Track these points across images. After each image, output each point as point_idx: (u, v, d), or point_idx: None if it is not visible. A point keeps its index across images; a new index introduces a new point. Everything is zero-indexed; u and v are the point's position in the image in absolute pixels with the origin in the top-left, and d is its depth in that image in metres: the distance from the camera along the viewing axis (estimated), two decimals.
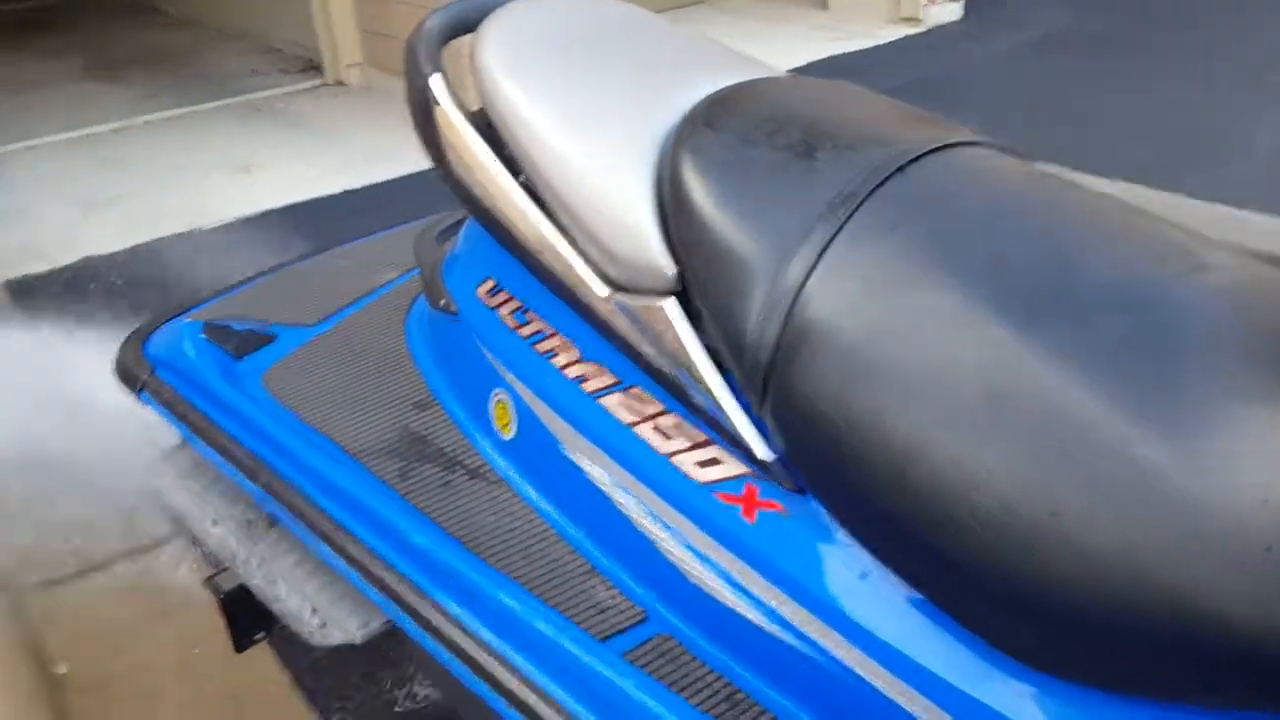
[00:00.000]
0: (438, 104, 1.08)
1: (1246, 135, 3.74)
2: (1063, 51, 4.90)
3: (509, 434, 1.11)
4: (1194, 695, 0.67)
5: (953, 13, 5.60)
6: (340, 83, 4.97)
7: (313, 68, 5.20)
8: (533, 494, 1.08)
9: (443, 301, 1.17)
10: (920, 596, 0.81)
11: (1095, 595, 0.67)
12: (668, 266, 0.92)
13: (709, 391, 0.90)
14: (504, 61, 1.05)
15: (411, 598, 1.00)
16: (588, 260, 0.98)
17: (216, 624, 1.81)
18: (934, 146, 0.90)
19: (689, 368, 0.91)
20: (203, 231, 3.45)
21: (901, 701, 0.80)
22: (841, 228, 0.85)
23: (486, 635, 0.96)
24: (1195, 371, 0.69)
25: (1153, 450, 0.66)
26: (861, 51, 5.07)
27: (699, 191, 0.91)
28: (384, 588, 1.02)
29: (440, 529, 1.04)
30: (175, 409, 1.26)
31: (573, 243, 0.99)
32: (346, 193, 3.71)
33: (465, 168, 1.07)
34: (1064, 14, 5.45)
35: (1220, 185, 3.25)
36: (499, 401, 1.11)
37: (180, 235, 3.43)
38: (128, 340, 1.36)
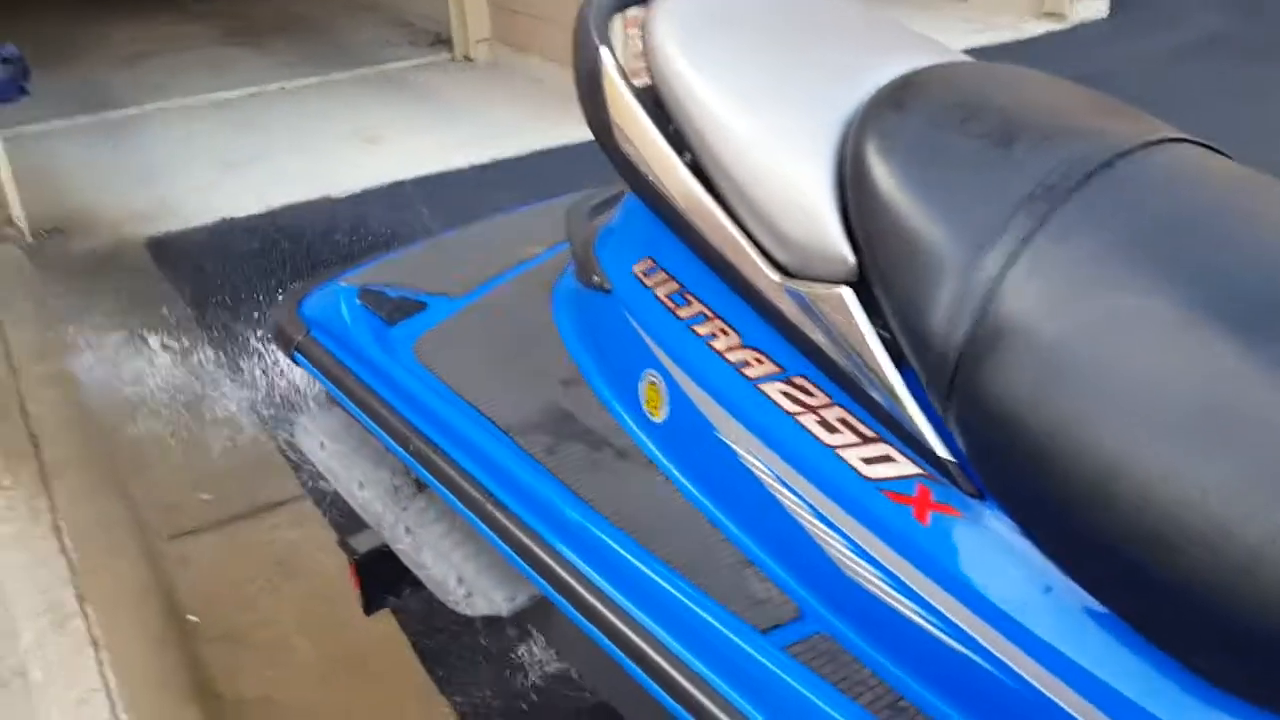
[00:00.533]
0: (606, 76, 1.06)
1: None
2: (1217, 55, 4.67)
3: (659, 416, 1.09)
4: None
5: (1098, 10, 5.40)
6: (468, 58, 5.01)
7: (441, 42, 5.26)
8: (682, 479, 1.06)
9: (596, 279, 1.16)
10: (1108, 612, 0.76)
11: None
12: (847, 253, 0.89)
13: (886, 386, 0.87)
14: (677, 36, 1.02)
15: (564, 573, 0.99)
16: (757, 244, 0.95)
17: (342, 585, 1.84)
18: (1143, 142, 0.85)
19: (865, 360, 0.88)
20: (333, 199, 3.52)
21: None
22: (1044, 221, 0.80)
23: (643, 618, 0.94)
24: None
25: None
26: (1003, 45, 4.92)
27: (885, 176, 0.87)
28: (536, 561, 1.01)
29: (591, 507, 1.03)
30: (328, 371, 1.27)
31: (742, 225, 0.96)
32: (474, 167, 3.74)
33: (631, 143, 1.05)
34: (1217, 16, 5.20)
35: None
36: (650, 383, 1.09)
37: (312, 202, 3.49)
38: (283, 300, 1.38)
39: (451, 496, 1.10)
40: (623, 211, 1.19)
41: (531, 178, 3.61)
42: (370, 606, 1.45)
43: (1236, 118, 3.84)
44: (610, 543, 0.99)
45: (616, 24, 1.17)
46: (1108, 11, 5.40)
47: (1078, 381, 0.74)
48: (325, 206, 3.47)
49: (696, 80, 0.99)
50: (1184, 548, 0.67)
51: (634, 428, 1.11)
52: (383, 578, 1.42)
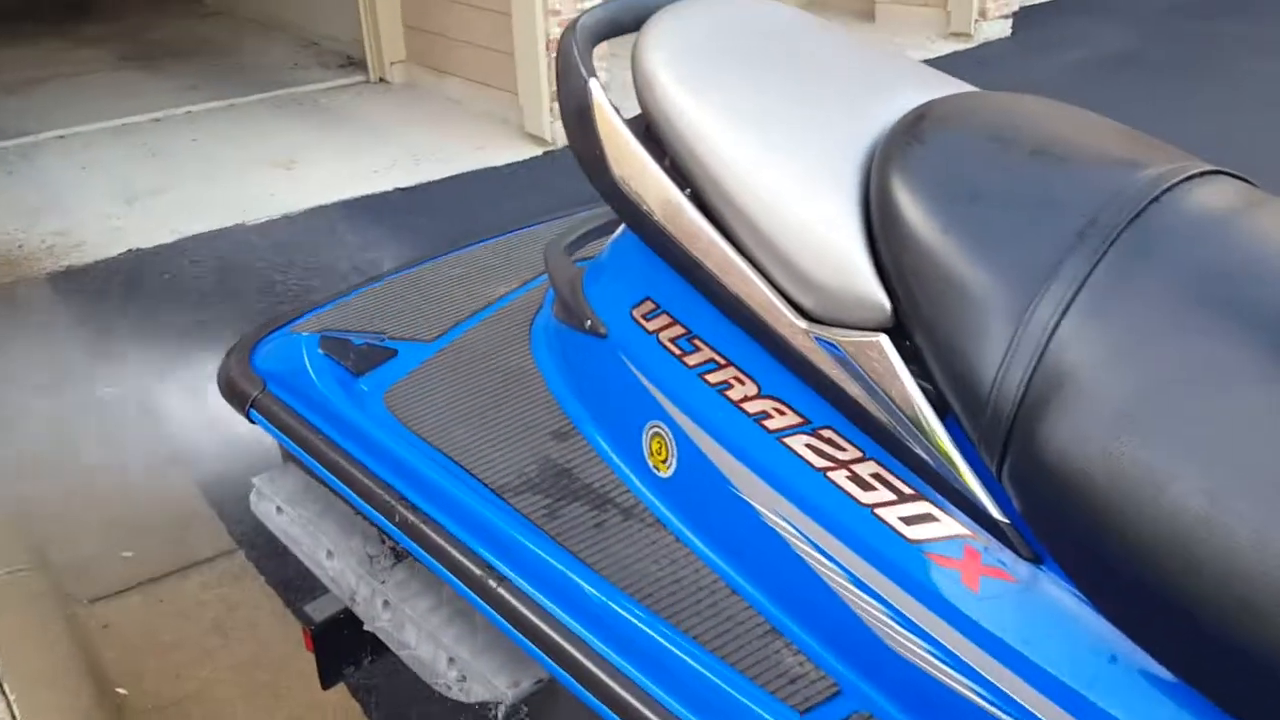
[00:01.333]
0: (597, 108, 0.98)
1: None
2: (1123, 71, 4.81)
3: (666, 471, 1.01)
4: None
5: (1002, 29, 5.54)
6: (383, 79, 4.88)
7: (352, 63, 5.11)
8: (696, 540, 0.98)
9: (589, 323, 1.07)
10: (1179, 682, 0.71)
11: None
12: (882, 298, 0.82)
13: (932, 440, 0.80)
14: (672, 66, 0.95)
15: (577, 653, 0.90)
16: (776, 287, 0.88)
17: (285, 649, 1.71)
18: (1186, 175, 0.80)
19: (905, 413, 0.81)
20: (248, 227, 3.36)
21: None
22: (1099, 261, 0.75)
23: (668, 700, 0.86)
24: None
25: None
26: None
27: (917, 215, 0.81)
28: (544, 640, 0.92)
29: (602, 577, 0.94)
30: (291, 429, 1.15)
31: (757, 267, 0.89)
32: (397, 190, 3.61)
33: (628, 178, 0.97)
34: (1115, 35, 5.37)
35: None
36: (655, 434, 1.01)
37: (226, 230, 3.34)
38: (231, 351, 1.26)
39: (439, 566, 1.00)
40: (614, 248, 1.11)
41: (457, 201, 3.51)
42: (328, 679, 1.34)
43: (1152, 129, 3.92)
44: (626, 615, 0.91)
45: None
46: (1011, 31, 5.53)
47: (1155, 435, 0.68)
48: (240, 234, 3.32)
49: (698, 111, 0.92)
50: (1276, 616, 0.62)
51: (638, 484, 1.03)
52: (342, 648, 1.31)
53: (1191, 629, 0.68)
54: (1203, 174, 0.82)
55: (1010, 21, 5.58)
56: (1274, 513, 0.64)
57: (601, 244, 1.19)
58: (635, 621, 0.91)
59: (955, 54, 5.28)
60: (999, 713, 0.78)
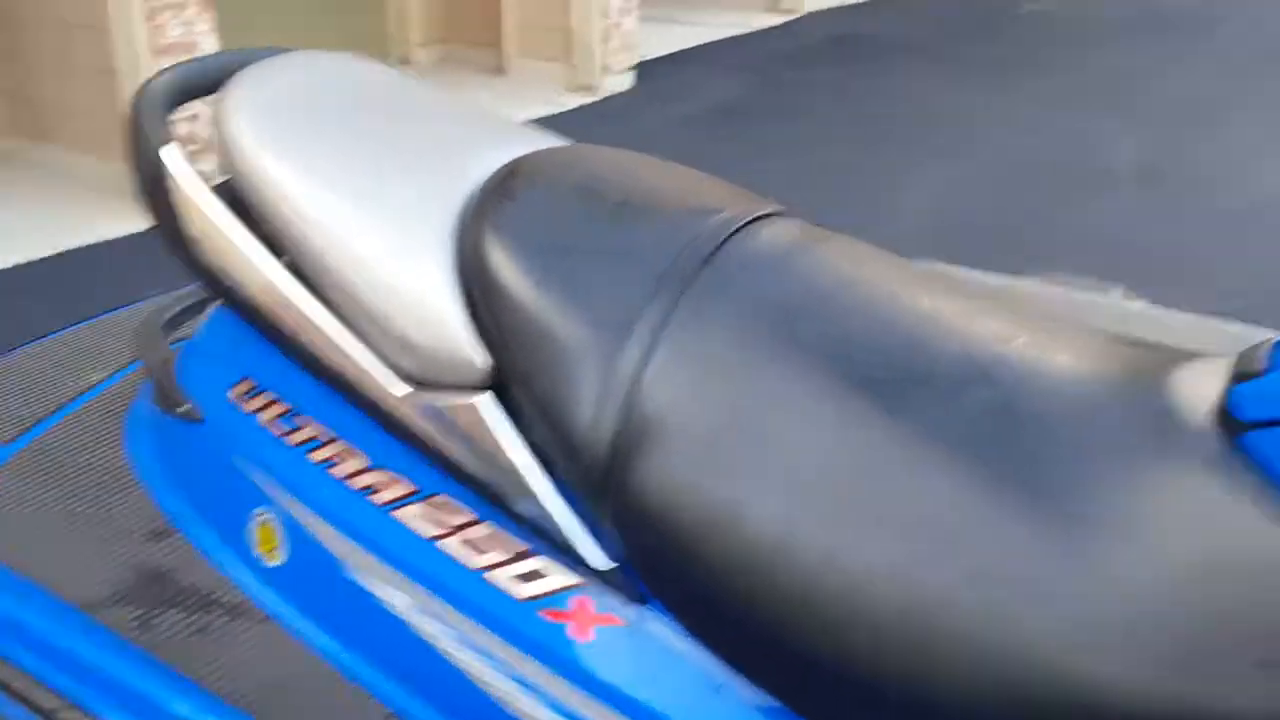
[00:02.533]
0: (175, 182, 0.92)
1: (895, 192, 4.10)
2: (729, 119, 5.21)
3: (276, 560, 0.95)
4: None
5: (624, 83, 5.84)
6: None
7: None
8: (311, 630, 0.93)
9: (182, 408, 1.00)
10: (782, 707, 0.75)
11: (995, 698, 0.64)
12: (479, 358, 0.83)
13: (532, 496, 0.81)
14: (258, 128, 0.91)
15: None
16: (377, 354, 0.86)
17: None
18: (749, 219, 0.86)
19: (509, 471, 0.82)
20: None
21: None
22: (675, 307, 0.79)
23: None
24: (1069, 443, 0.68)
25: (1038, 532, 0.65)
26: (544, 118, 5.13)
27: (509, 271, 0.82)
28: None
29: (202, 689, 0.87)
30: None
31: (357, 334, 0.87)
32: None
33: (215, 251, 0.92)
34: (730, 85, 5.82)
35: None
36: (262, 523, 0.95)
37: None
38: None
39: (17, 709, 0.89)
40: (209, 326, 1.04)
41: (67, 281, 3.21)
42: None
43: (748, 169, 4.28)
44: None
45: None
46: (633, 83, 5.84)
47: (731, 470, 0.72)
48: None
49: (288, 177, 0.89)
50: (851, 631, 0.67)
51: (245, 578, 0.96)
52: None
53: (779, 653, 0.71)
54: (768, 215, 0.88)
55: (633, 75, 5.88)
56: (841, 532, 0.68)
57: (199, 321, 1.11)
58: None
59: (582, 107, 5.50)
60: None
